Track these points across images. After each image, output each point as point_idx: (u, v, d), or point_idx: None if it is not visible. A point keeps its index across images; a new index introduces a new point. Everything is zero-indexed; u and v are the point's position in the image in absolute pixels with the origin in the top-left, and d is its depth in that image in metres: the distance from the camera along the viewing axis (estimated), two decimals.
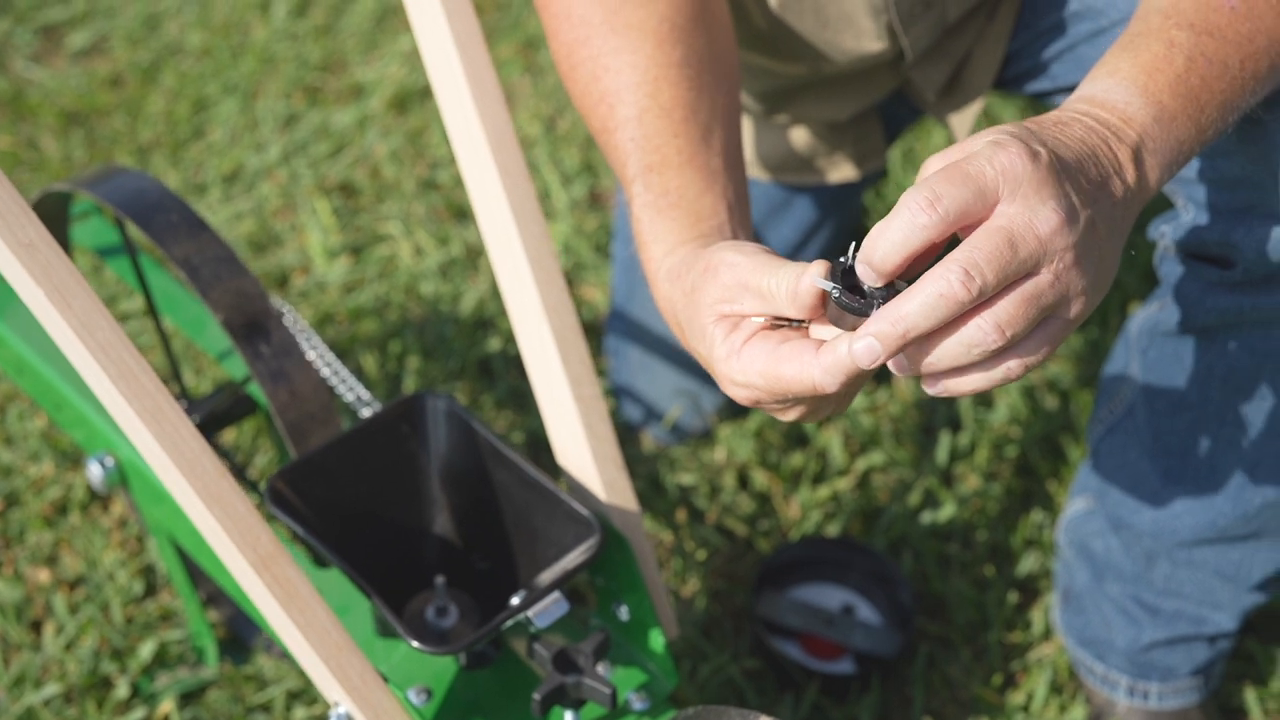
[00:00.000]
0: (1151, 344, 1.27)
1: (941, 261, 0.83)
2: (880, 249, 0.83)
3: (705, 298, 0.95)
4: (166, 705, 1.49)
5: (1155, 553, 1.34)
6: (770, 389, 0.91)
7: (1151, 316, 1.28)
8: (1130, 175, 0.90)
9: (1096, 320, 1.90)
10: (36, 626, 1.58)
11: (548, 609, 1.11)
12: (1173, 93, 0.93)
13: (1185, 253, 1.17)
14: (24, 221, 1.01)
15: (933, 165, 0.87)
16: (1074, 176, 0.86)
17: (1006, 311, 0.84)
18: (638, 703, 1.17)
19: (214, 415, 1.42)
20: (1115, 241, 0.89)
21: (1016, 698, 1.51)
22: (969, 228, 0.84)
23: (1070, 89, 1.24)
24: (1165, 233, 1.19)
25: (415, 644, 1.07)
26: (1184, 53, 0.94)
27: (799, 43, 1.26)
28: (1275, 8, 0.97)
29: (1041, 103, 1.35)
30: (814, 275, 0.88)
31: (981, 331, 0.84)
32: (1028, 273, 0.84)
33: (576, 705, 1.12)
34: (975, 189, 0.83)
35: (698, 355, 0.99)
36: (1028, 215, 0.83)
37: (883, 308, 0.85)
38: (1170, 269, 1.21)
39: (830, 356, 0.86)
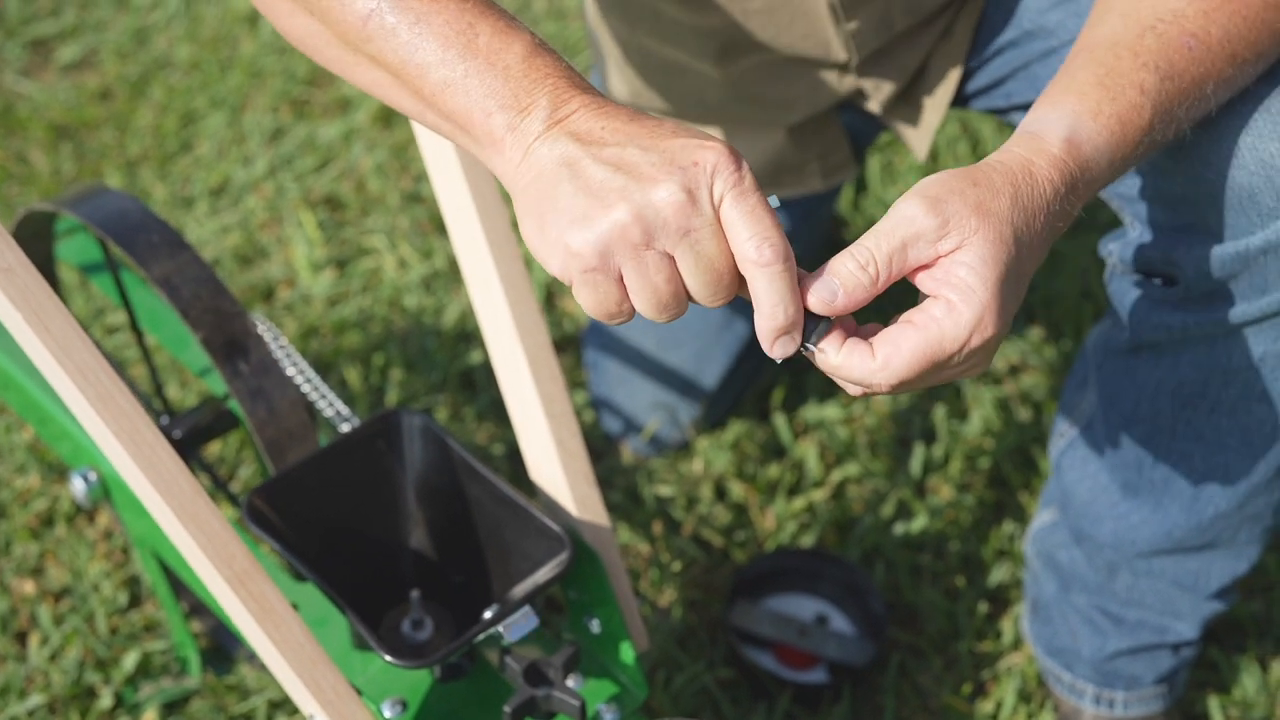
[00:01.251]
0: (1105, 360, 1.29)
1: (874, 366, 0.91)
2: (838, 372, 0.93)
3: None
4: (150, 715, 1.51)
5: (1116, 564, 1.37)
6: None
7: (1104, 333, 1.30)
8: (1065, 220, 0.96)
9: (1070, 333, 1.93)
10: (21, 638, 1.61)
11: (518, 623, 1.13)
12: (1134, 145, 0.99)
13: (1133, 270, 1.20)
14: (3, 247, 1.03)
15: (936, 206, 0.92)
16: (1023, 267, 0.93)
17: (895, 391, 0.93)
18: (609, 714, 1.19)
19: (196, 429, 1.45)
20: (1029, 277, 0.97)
21: (986, 706, 1.54)
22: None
23: (1024, 106, 1.27)
24: (1113, 250, 1.21)
25: (389, 658, 1.10)
26: (1151, 103, 0.99)
27: (745, 43, 1.28)
28: (1224, 49, 1.00)
29: (998, 119, 1.37)
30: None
31: (877, 387, 0.93)
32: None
33: (547, 717, 1.14)
34: (939, 371, 0.92)
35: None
36: (962, 372, 0.93)
37: (831, 353, 0.93)
38: (1119, 286, 1.23)
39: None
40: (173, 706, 1.54)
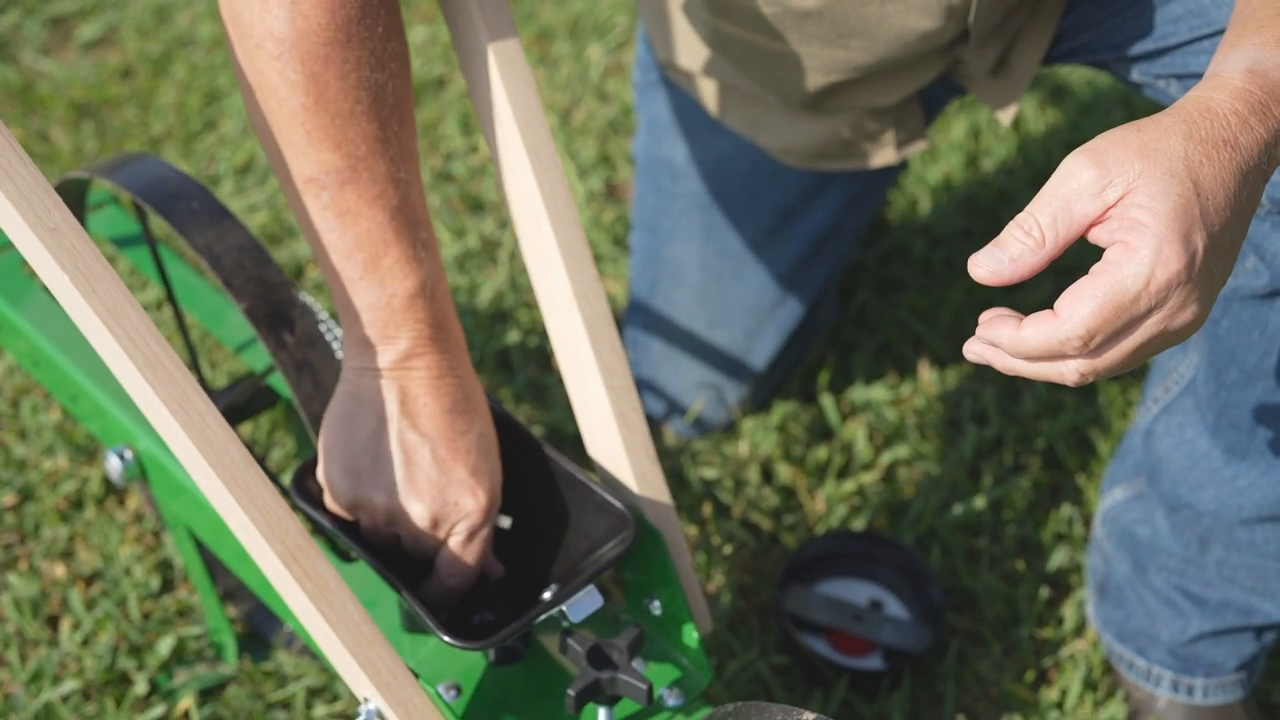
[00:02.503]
0: (1227, 311, 1.22)
1: (1056, 323, 0.87)
2: (1022, 349, 0.88)
3: None
4: (186, 702, 1.46)
5: (1211, 534, 1.31)
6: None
7: (1233, 281, 1.23)
8: (1267, 155, 0.89)
9: None
10: (53, 622, 1.56)
11: (581, 602, 1.08)
12: None
13: (1276, 209, 1.13)
14: (49, 205, 0.98)
15: (1077, 177, 0.87)
16: (1210, 204, 0.87)
17: (1103, 363, 0.88)
18: (671, 699, 1.14)
19: (233, 408, 1.40)
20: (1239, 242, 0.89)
21: (1050, 694, 1.49)
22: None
23: (1135, 58, 1.21)
24: None
25: (447, 638, 1.05)
26: None
27: (856, 23, 1.23)
28: None
29: (1101, 70, 1.31)
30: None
31: (1069, 371, 0.89)
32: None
33: (611, 702, 1.10)
34: (1128, 318, 0.86)
35: None
36: (1164, 323, 0.87)
37: (1009, 332, 0.89)
38: (1259, 229, 1.16)
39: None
40: (209, 693, 1.49)
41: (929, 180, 2.11)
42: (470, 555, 1.11)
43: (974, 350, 0.91)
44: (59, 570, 1.60)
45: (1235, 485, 1.27)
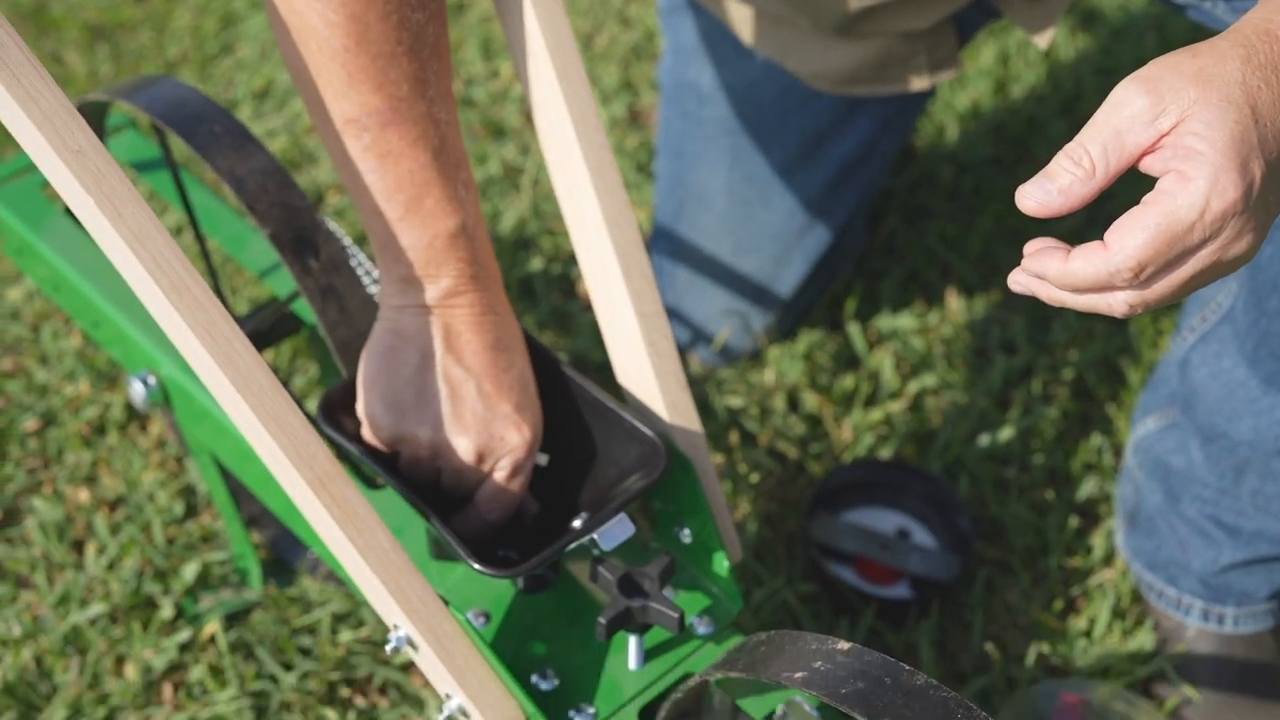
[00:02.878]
0: (1271, 238, 1.20)
1: (1107, 254, 0.85)
2: (1071, 281, 0.86)
3: None
4: (211, 627, 1.46)
5: (1247, 464, 1.29)
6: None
7: None
8: None
9: None
10: (78, 546, 1.56)
11: (612, 530, 1.07)
12: None
13: None
14: (73, 127, 0.96)
15: (1129, 105, 0.85)
16: (1270, 130, 0.84)
17: (1153, 294, 0.86)
18: (701, 627, 1.13)
19: (256, 334, 1.39)
20: None
21: (1078, 623, 1.48)
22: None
23: None
24: None
25: (477, 566, 1.04)
26: None
27: None
28: None
29: None
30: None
31: (1117, 303, 0.87)
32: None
33: (641, 630, 1.09)
34: (1181, 249, 0.84)
35: None
36: (1217, 254, 0.84)
37: (1058, 264, 0.87)
38: None
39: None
40: (234, 619, 1.49)
41: (957, 107, 2.08)
42: (513, 490, 1.11)
43: (1019, 280, 0.89)
44: (83, 495, 1.59)
45: (1273, 415, 1.25)
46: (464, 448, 1.08)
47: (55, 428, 1.66)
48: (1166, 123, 0.84)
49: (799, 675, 0.94)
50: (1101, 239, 0.85)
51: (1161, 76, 0.84)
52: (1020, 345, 1.75)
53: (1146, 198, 0.85)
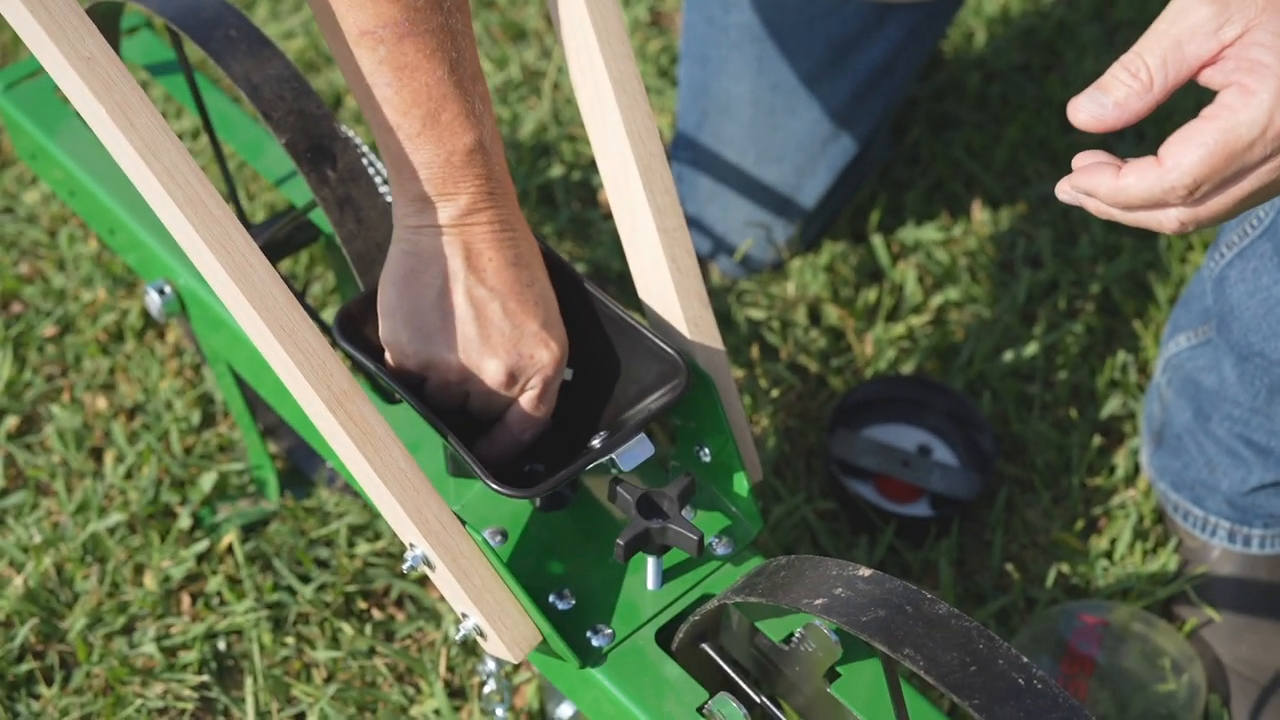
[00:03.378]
0: None
1: (1161, 170, 0.82)
2: (1122, 198, 0.83)
3: None
4: (229, 538, 1.46)
5: None
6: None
7: None
8: None
9: None
10: (96, 454, 1.55)
11: (632, 450, 1.06)
12: None
13: None
14: (84, 33, 0.94)
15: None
16: None
17: (1205, 212, 0.83)
18: (720, 548, 1.12)
19: (272, 244, 1.37)
20: None
21: (1100, 543, 1.47)
22: None
23: None
24: None
25: (494, 486, 1.03)
26: None
27: None
28: None
29: None
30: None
31: (1168, 220, 0.84)
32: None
33: (660, 551, 1.08)
34: (1239, 166, 0.80)
35: None
36: (1276, 171, 0.80)
37: (1109, 181, 0.84)
38: None
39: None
40: (251, 529, 1.49)
41: (986, 11, 2.04)
42: (544, 408, 1.09)
43: (1066, 192, 0.86)
44: (100, 403, 1.59)
45: None
46: (494, 369, 1.06)
47: (73, 334, 1.65)
48: (1230, 33, 0.80)
49: (819, 602, 0.93)
50: (1155, 154, 0.83)
51: None
52: (1046, 259, 1.72)
53: (1205, 111, 0.81)
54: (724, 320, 1.67)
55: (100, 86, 0.94)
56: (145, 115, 0.95)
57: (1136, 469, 1.53)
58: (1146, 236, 1.74)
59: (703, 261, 1.74)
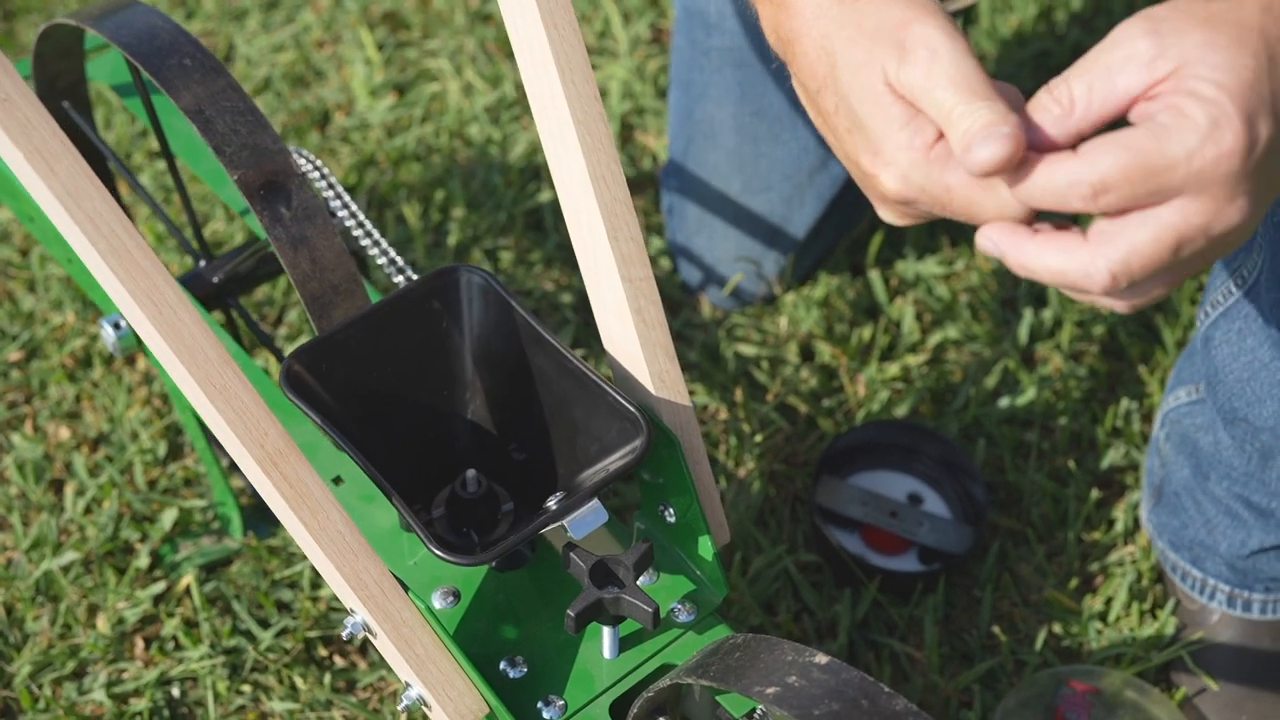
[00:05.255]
0: None
1: (1091, 247, 0.74)
2: (1025, 191, 0.75)
3: (887, 62, 0.79)
4: (187, 578, 1.41)
5: (1273, 450, 1.20)
6: (930, 196, 0.78)
7: None
8: None
9: None
10: (56, 486, 1.51)
11: (583, 518, 1.00)
12: None
13: None
14: (0, 74, 0.89)
15: (1133, 46, 0.73)
16: None
17: (1138, 289, 0.76)
18: (683, 614, 1.07)
19: (236, 276, 1.32)
20: None
21: (1094, 603, 1.40)
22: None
23: None
24: None
25: (438, 552, 0.97)
26: None
27: None
28: None
29: None
30: (978, 152, 0.74)
31: (1096, 272, 0.75)
32: None
33: (615, 621, 1.02)
34: (1155, 188, 0.72)
35: (838, 115, 0.82)
36: (1207, 218, 0.73)
37: (1017, 249, 0.77)
38: None
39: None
40: (212, 569, 1.44)
41: (1000, 32, 1.97)
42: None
43: (988, 238, 0.78)
44: (64, 433, 1.54)
45: None
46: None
47: (39, 359, 1.61)
48: (1164, 67, 0.72)
49: (771, 690, 0.87)
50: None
51: (1168, 17, 0.73)
52: (1050, 297, 1.65)
53: (1135, 122, 0.73)
54: (712, 355, 1.61)
55: (18, 130, 0.89)
56: (66, 160, 0.90)
57: (1136, 523, 1.47)
58: None
59: (693, 292, 1.68)
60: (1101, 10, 2.01)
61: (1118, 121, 0.76)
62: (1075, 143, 0.75)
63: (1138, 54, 0.72)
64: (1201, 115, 0.71)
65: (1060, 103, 0.75)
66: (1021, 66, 1.92)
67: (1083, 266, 0.75)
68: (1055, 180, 0.74)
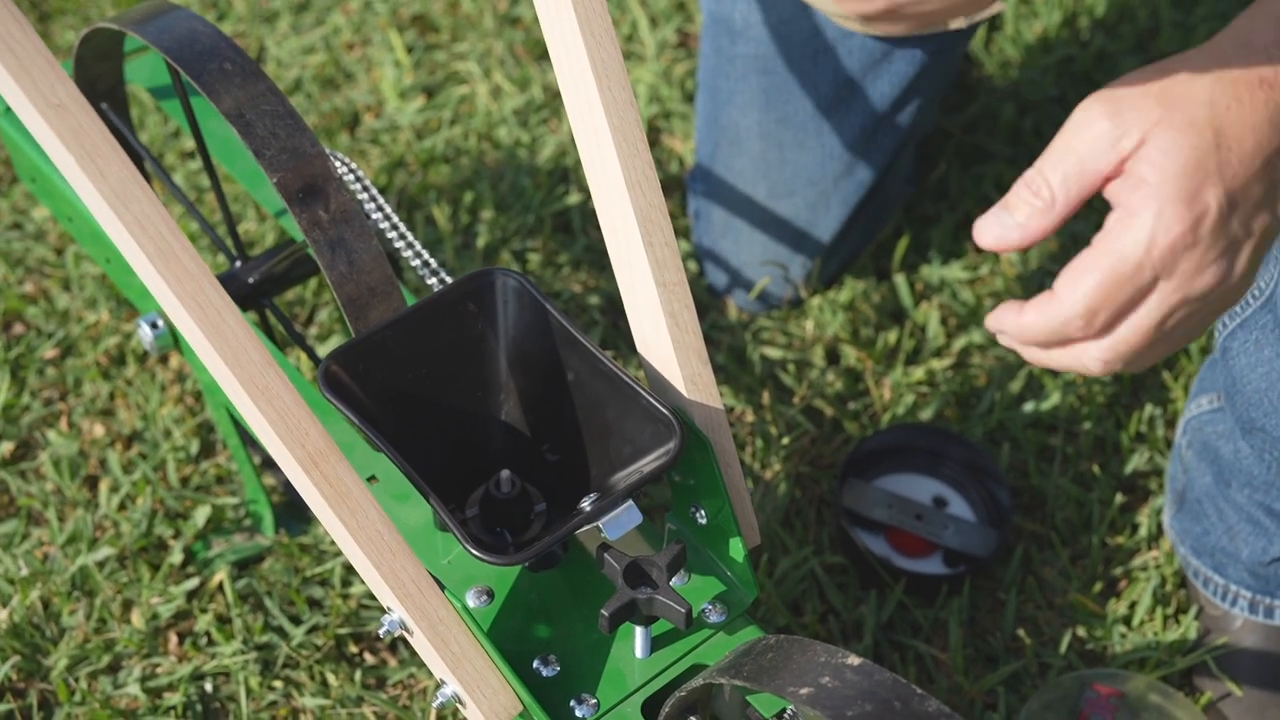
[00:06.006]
0: None
1: (1053, 300, 0.82)
2: (1026, 335, 0.83)
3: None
4: (220, 575, 1.43)
5: None
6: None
7: None
8: None
9: None
10: (91, 482, 1.53)
11: (618, 519, 1.02)
12: None
13: None
14: (53, 80, 0.91)
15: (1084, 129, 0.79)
16: (1235, 154, 0.76)
17: (1124, 346, 0.83)
18: (714, 615, 1.08)
19: (271, 277, 1.33)
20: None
21: (1118, 607, 1.42)
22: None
23: None
24: None
25: (474, 551, 0.99)
26: None
27: None
28: None
29: None
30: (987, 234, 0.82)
31: (1089, 360, 0.84)
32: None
33: (647, 621, 1.04)
34: (1133, 290, 0.79)
35: None
36: (1183, 291, 0.79)
37: (1012, 319, 0.85)
38: None
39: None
40: (244, 566, 1.45)
41: (1024, 38, 1.98)
42: None
43: (995, 329, 0.86)
44: (98, 429, 1.56)
45: None
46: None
47: (74, 357, 1.63)
48: (1128, 144, 0.78)
49: (804, 691, 0.89)
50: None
51: (1125, 96, 0.78)
52: None
53: (1094, 237, 0.79)
54: (739, 358, 1.63)
55: (69, 135, 0.91)
56: (116, 164, 0.92)
57: (1160, 529, 1.48)
58: None
59: (719, 295, 1.69)
60: (1125, 17, 2.01)
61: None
62: (1060, 227, 0.83)
63: (1103, 135, 0.78)
64: (1146, 210, 0.77)
65: (1040, 196, 0.80)
66: (1045, 72, 1.93)
67: (1076, 356, 0.82)
68: (1050, 322, 0.81)
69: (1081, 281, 0.79)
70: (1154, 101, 0.78)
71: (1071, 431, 1.56)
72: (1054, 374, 1.60)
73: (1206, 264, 0.78)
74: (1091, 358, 0.81)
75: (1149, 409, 1.56)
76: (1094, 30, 2.00)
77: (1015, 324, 0.82)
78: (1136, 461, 1.52)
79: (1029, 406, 1.56)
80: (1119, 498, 1.48)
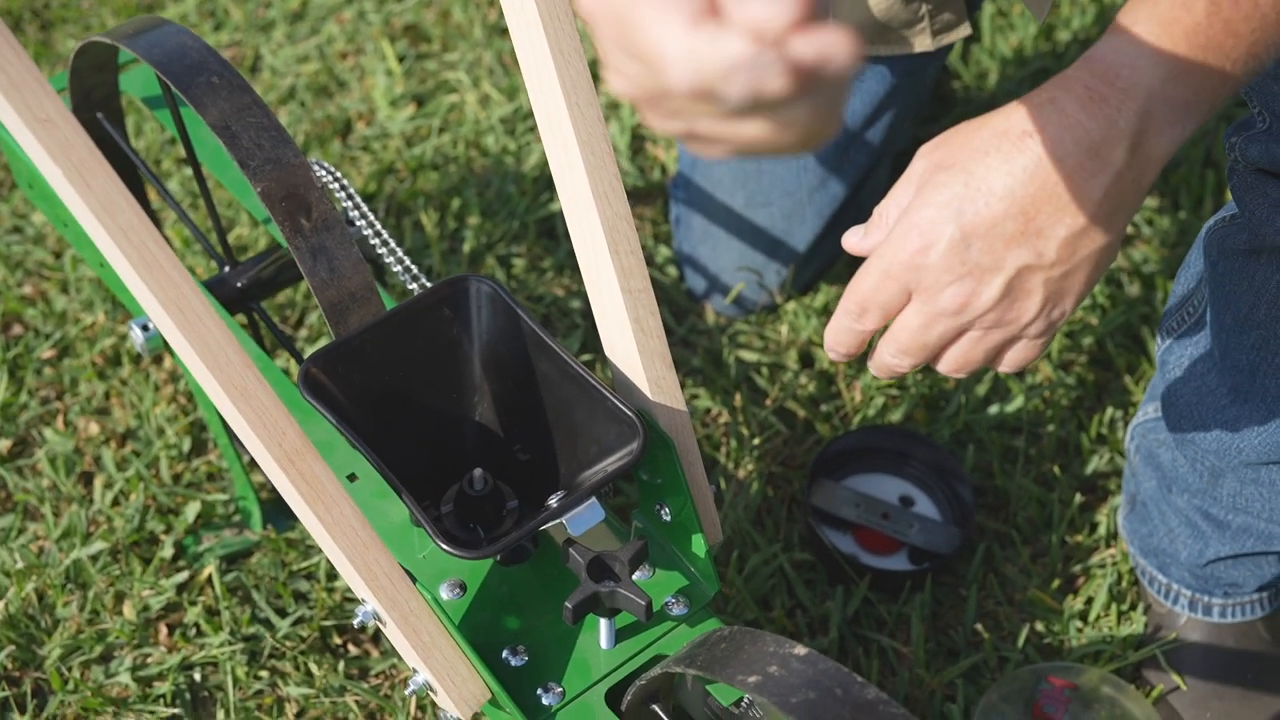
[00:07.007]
0: (1221, 258, 1.18)
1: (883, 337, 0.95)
2: (832, 345, 0.98)
3: None
4: (209, 568, 1.48)
5: (1221, 470, 1.27)
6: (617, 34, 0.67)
7: (1222, 229, 1.18)
8: (1122, 154, 0.83)
9: (1189, 204, 1.80)
10: (86, 478, 1.58)
11: (581, 515, 1.07)
12: (1189, 45, 0.83)
13: (1255, 167, 1.08)
14: (41, 96, 0.96)
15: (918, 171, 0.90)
16: (987, 216, 0.86)
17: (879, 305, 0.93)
18: (676, 608, 1.13)
19: (257, 282, 1.38)
20: (1102, 232, 0.86)
21: (1075, 603, 1.46)
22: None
23: None
24: (1236, 144, 1.09)
25: (444, 546, 1.04)
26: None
27: None
28: None
29: None
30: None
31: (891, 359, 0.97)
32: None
33: (610, 614, 1.09)
34: (884, 292, 0.91)
35: None
36: (930, 306, 0.89)
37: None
38: (1240, 182, 1.11)
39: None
40: (233, 560, 1.50)
41: (1001, 51, 2.03)
42: None
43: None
44: (93, 428, 1.61)
45: (1237, 429, 1.22)
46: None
47: (71, 357, 1.68)
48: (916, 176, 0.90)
49: (752, 679, 0.94)
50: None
51: (947, 141, 0.89)
52: None
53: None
54: (715, 361, 1.68)
55: (57, 148, 0.95)
56: (101, 176, 0.96)
57: (1116, 528, 1.52)
58: (1143, 289, 1.73)
59: (697, 300, 1.74)
60: (1101, 29, 2.06)
61: None
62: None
63: (915, 173, 0.90)
64: (893, 228, 0.89)
65: (882, 217, 0.93)
66: (1022, 85, 1.98)
67: (878, 352, 0.97)
68: (838, 316, 0.95)
69: (854, 280, 0.92)
70: (960, 146, 0.88)
71: (1035, 433, 1.61)
72: (1019, 378, 1.65)
73: (944, 284, 0.87)
74: (879, 351, 0.95)
75: (1110, 412, 1.61)
76: (1070, 43, 2.05)
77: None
78: (1097, 463, 1.57)
79: (994, 409, 1.61)
80: (1079, 498, 1.53)
